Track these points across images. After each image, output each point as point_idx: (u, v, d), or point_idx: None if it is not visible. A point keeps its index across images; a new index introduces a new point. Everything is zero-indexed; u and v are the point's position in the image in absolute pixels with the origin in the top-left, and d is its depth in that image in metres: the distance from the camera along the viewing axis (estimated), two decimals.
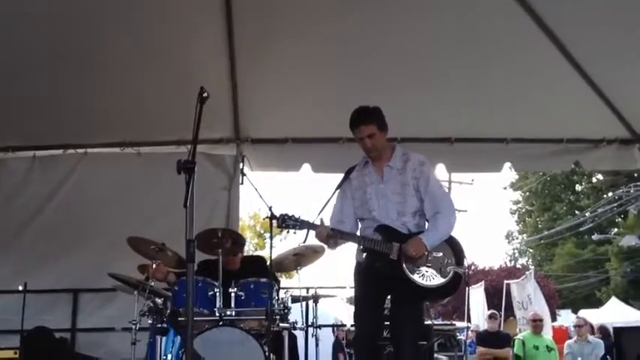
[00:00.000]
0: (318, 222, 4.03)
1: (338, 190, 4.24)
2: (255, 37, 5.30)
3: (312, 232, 4.04)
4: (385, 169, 4.10)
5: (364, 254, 4.07)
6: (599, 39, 5.12)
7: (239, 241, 4.96)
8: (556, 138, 6.46)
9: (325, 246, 4.14)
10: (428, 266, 3.93)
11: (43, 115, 5.88)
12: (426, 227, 4.07)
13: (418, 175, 4.06)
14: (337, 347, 8.61)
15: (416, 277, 3.92)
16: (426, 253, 3.92)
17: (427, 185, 4.05)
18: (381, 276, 3.96)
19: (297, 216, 4.06)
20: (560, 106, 6.03)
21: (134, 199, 6.42)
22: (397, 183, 4.06)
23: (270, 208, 4.44)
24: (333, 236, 4.01)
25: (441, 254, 3.96)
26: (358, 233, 4.14)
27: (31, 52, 5.13)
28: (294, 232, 4.08)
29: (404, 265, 3.91)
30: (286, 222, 4.06)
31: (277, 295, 4.64)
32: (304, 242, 4.13)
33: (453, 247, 4.01)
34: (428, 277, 3.93)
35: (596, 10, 4.80)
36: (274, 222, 4.21)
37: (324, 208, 4.14)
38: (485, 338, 9.84)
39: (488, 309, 13.16)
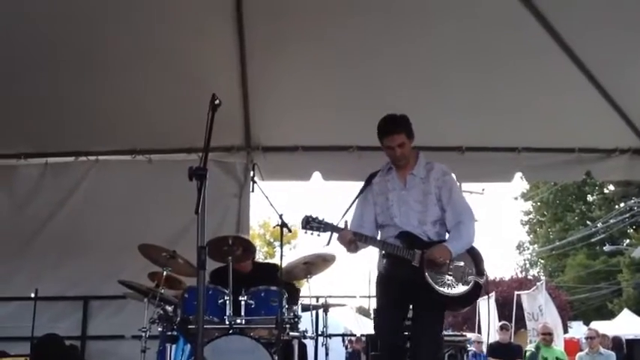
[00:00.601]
0: (342, 225, 4.02)
1: (360, 196, 4.23)
2: (266, 42, 5.31)
3: (335, 235, 4.02)
4: (408, 177, 4.10)
5: (385, 260, 4.06)
6: (611, 45, 5.07)
7: (249, 248, 4.95)
8: (568, 147, 6.41)
9: (345, 249, 4.10)
10: (449, 275, 3.91)
11: (51, 121, 5.89)
12: (448, 236, 4.04)
13: (441, 185, 4.06)
14: (352, 357, 8.57)
15: (437, 285, 3.89)
16: (449, 260, 3.89)
17: (450, 196, 4.05)
18: (404, 282, 3.93)
19: (320, 218, 4.03)
20: (572, 115, 5.98)
21: (145, 206, 6.42)
22: (419, 191, 4.06)
23: (280, 216, 4.44)
24: (355, 240, 3.98)
25: (462, 263, 3.94)
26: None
27: (32, 52, 5.10)
28: (318, 235, 4.04)
29: (426, 273, 3.89)
30: (310, 224, 4.03)
31: (295, 303, 4.63)
32: (327, 244, 4.09)
33: (474, 257, 4.00)
34: (449, 285, 3.91)
35: (607, 17, 4.77)
36: (300, 224, 4.14)
37: (346, 212, 4.14)
38: (497, 349, 9.77)
39: (499, 320, 13.07)
